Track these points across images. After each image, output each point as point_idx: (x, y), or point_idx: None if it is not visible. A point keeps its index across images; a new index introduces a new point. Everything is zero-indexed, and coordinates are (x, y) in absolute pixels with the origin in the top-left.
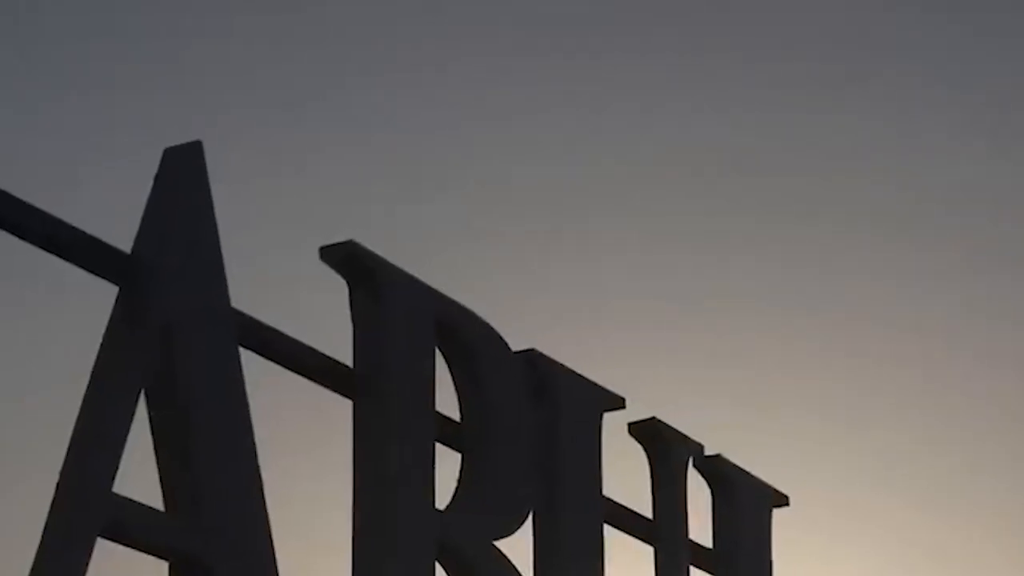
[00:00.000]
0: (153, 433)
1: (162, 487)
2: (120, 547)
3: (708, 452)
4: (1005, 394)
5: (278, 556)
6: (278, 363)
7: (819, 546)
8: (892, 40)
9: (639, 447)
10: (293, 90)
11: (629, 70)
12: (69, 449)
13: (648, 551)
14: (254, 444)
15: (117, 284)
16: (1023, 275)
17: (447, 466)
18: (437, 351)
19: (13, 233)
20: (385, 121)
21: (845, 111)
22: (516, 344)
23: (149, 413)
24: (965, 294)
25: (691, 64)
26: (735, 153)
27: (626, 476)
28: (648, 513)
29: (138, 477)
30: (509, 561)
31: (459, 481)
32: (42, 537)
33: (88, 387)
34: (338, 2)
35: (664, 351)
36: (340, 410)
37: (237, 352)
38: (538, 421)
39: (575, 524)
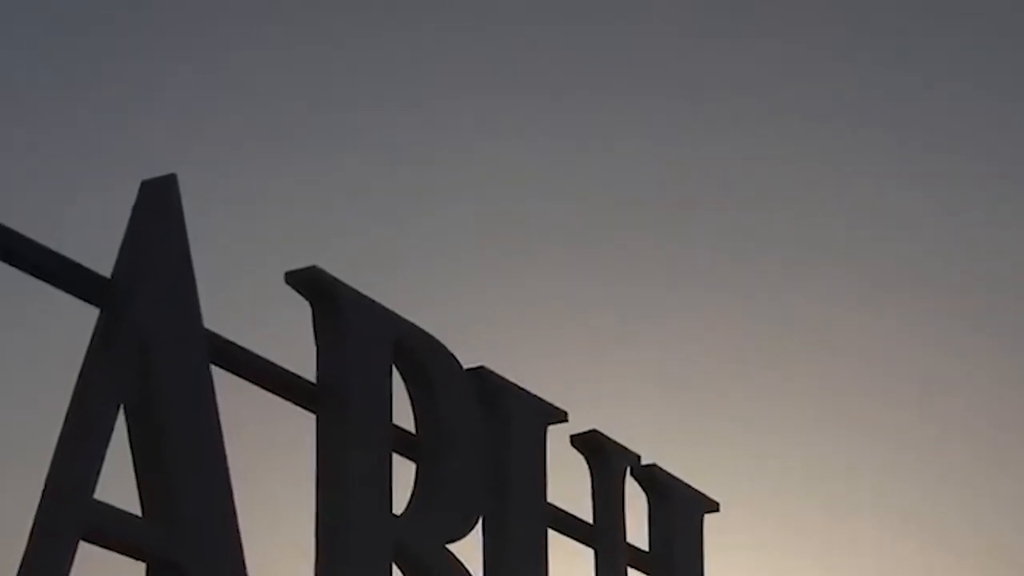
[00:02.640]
0: (131, 444)
1: (140, 494)
2: (101, 550)
3: (644, 462)
4: (926, 408)
5: (247, 558)
6: (247, 379)
7: (747, 548)
8: (817, 79)
9: (581, 457)
10: (263, 126)
11: (576, 107)
12: (54, 458)
13: (589, 553)
14: (225, 454)
15: (98, 306)
16: (950, 301)
17: (403, 474)
18: (394, 368)
19: (3, 260)
20: (346, 158)
21: (773, 142)
22: (467, 362)
23: (128, 425)
24: (895, 317)
25: (632, 104)
26: (667, 187)
27: (568, 484)
28: (589, 518)
29: (117, 484)
30: (460, 562)
31: (414, 488)
32: (28, 540)
33: (71, 401)
34: (303, 42)
35: (605, 369)
36: (304, 423)
37: (209, 369)
38: (487, 433)
39: (522, 528)
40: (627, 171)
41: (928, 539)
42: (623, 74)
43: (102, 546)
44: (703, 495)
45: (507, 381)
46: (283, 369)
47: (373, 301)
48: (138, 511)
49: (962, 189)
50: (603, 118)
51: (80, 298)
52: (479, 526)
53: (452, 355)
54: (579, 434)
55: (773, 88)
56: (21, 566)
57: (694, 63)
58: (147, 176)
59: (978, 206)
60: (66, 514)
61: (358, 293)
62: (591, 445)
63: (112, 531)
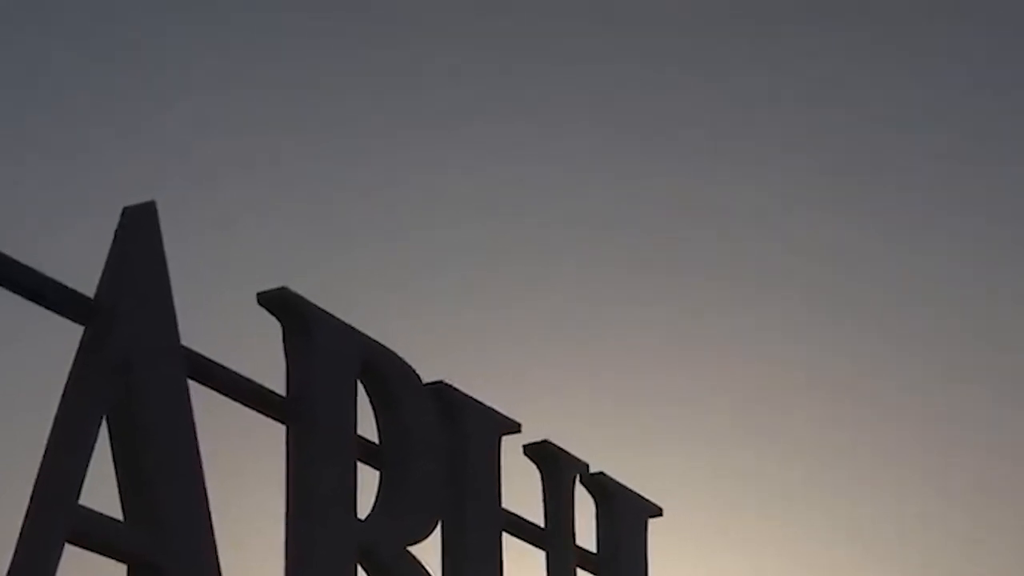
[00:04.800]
0: (114, 453)
1: (121, 500)
2: (85, 551)
3: (593, 470)
4: (851, 421)
5: (221, 559)
6: (222, 393)
7: (688, 551)
8: (750, 114)
9: (533, 465)
10: (238, 157)
11: (537, 134)
12: (41, 466)
13: (540, 555)
14: (201, 462)
15: (82, 324)
16: (877, 322)
17: (367, 481)
18: (358, 382)
19: None
20: (316, 184)
21: (713, 179)
22: (427, 377)
23: (110, 435)
24: (819, 336)
25: (586, 142)
26: (613, 216)
27: (522, 490)
28: (541, 522)
29: (100, 491)
30: (421, 563)
31: (378, 494)
32: (17, 543)
33: (57, 412)
34: (276, 77)
35: (556, 384)
36: (275, 433)
37: (186, 383)
38: (446, 443)
39: (478, 531)
40: (583, 198)
41: (851, 541)
42: (591, 103)
43: (86, 548)
44: (647, 501)
45: (464, 394)
46: (255, 383)
47: (339, 320)
48: (120, 516)
49: (892, 218)
50: (563, 145)
51: (66, 317)
52: (438, 529)
53: (413, 370)
54: (532, 444)
55: (725, 121)
56: (10, 567)
57: (662, 98)
58: (128, 203)
59: (908, 235)
60: (53, 518)
61: (325, 312)
62: (543, 454)
63: (96, 534)
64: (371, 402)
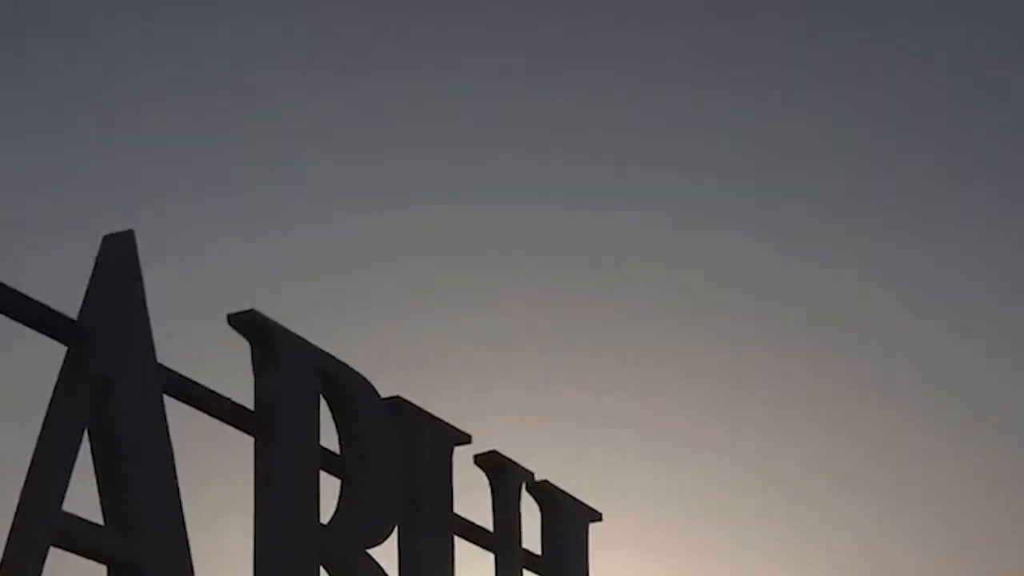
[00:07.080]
0: (95, 462)
1: (102, 506)
2: (68, 554)
3: (538, 478)
4: (780, 432)
5: (194, 561)
6: (195, 407)
7: (627, 553)
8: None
9: (483, 474)
10: (212, 188)
11: (497, 169)
12: (27, 475)
13: (489, 557)
14: (175, 471)
15: (65, 344)
16: (804, 342)
17: (329, 489)
18: (321, 397)
19: None
20: (283, 216)
21: (631, 204)
22: (385, 391)
23: (91, 446)
24: (763, 353)
25: (516, 166)
26: (554, 242)
27: (472, 497)
28: (490, 526)
29: (83, 497)
30: (379, 565)
31: (339, 501)
32: (5, 546)
33: (42, 425)
34: (242, 112)
35: (504, 398)
36: (244, 444)
37: (162, 398)
38: (402, 453)
39: (432, 535)
40: (533, 223)
41: (789, 551)
42: (547, 127)
43: (69, 551)
44: (588, 506)
45: (419, 408)
46: (226, 398)
47: (303, 339)
48: (101, 520)
49: (819, 242)
50: (526, 173)
51: (50, 337)
52: (395, 533)
53: (371, 385)
54: (481, 454)
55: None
56: (0, 568)
57: (581, 132)
58: (109, 230)
59: (835, 255)
60: (38, 523)
61: (290, 332)
62: (492, 463)
63: (78, 538)
64: (332, 415)
